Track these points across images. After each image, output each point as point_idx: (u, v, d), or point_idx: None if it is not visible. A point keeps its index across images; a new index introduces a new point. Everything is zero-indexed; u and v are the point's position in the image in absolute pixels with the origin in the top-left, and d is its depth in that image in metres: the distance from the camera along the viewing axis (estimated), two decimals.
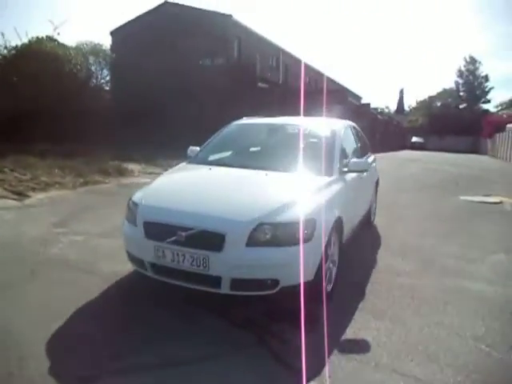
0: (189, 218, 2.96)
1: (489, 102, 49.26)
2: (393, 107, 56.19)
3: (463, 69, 48.99)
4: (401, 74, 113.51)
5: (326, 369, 2.42)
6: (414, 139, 44.54)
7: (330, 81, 35.32)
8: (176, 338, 2.72)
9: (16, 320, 2.89)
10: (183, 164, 4.34)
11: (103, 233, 5.11)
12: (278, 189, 3.44)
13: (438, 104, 51.83)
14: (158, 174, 4.84)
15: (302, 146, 4.22)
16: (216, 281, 2.89)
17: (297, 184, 3.55)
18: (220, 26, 20.78)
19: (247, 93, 20.10)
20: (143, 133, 17.51)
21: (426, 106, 52.85)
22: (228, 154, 4.49)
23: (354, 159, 4.15)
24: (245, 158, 4.27)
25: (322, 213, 3.11)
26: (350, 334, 2.88)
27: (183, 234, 2.87)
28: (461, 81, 49.35)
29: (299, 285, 2.90)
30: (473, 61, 48.29)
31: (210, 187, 3.55)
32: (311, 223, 2.98)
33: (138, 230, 3.13)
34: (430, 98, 53.04)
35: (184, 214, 3.01)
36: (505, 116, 45.54)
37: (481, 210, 7.87)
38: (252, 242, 2.84)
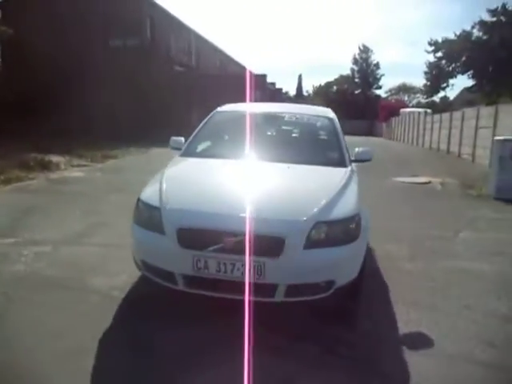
0: (237, 222, 2.61)
1: (380, 87, 53.77)
2: (292, 92, 58.30)
3: (357, 56, 52.59)
4: (299, 61, 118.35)
5: (411, 369, 2.34)
6: None
7: (239, 65, 35.27)
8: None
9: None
10: (179, 158, 3.85)
11: (67, 240, 4.42)
12: (313, 183, 3.25)
13: (335, 89, 55.07)
14: (88, 167, 4.28)
15: (307, 136, 4.04)
16: (270, 289, 2.62)
17: (325, 177, 3.39)
18: (131, 2, 19.24)
19: (164, 76, 19.10)
20: (45, 121, 15.66)
21: (323, 91, 55.78)
22: (230, 145, 4.10)
23: (359, 148, 4.08)
24: (253, 150, 3.96)
25: (359, 206, 3.01)
26: (403, 328, 2.84)
27: (232, 240, 2.53)
28: (356, 68, 52.92)
29: (347, 284, 2.80)
30: (366, 49, 52.03)
31: (242, 184, 3.18)
32: (359, 218, 2.86)
33: (167, 238, 2.69)
34: (328, 83, 56.09)
35: (230, 217, 2.65)
36: (393, 101, 50.49)
37: (418, 191, 8.53)
38: (309, 243, 2.62)
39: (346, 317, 2.97)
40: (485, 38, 21.20)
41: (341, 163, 3.67)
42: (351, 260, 2.77)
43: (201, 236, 2.61)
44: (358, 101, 51.53)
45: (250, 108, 4.59)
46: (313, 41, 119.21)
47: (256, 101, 5.44)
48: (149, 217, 2.86)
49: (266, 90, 22.78)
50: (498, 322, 3.01)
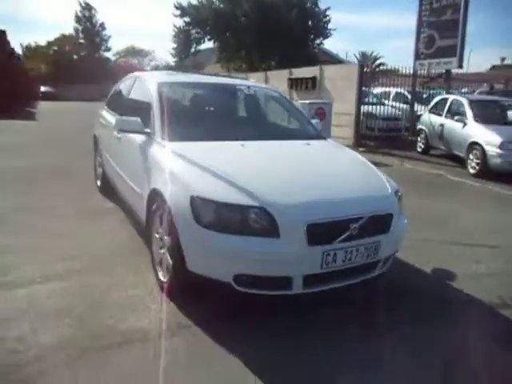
0: (359, 205, 2.60)
1: (109, 50, 51.25)
2: None
3: (80, 14, 47.96)
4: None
5: None
6: (43, 89, 41.33)
7: None
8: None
9: None
10: (171, 145, 3.12)
11: (50, 274, 2.98)
12: (339, 159, 3.43)
13: (56, 49, 49.08)
14: None
15: (272, 109, 3.98)
16: (373, 265, 2.78)
17: (338, 151, 3.58)
18: None
19: None
20: None
21: (44, 52, 48.83)
22: (211, 125, 3.62)
23: (313, 120, 4.32)
24: (237, 128, 3.59)
25: None
26: None
27: (356, 225, 2.52)
28: (80, 27, 48.35)
29: None
30: (88, 7, 47.96)
31: (297, 168, 3.01)
32: None
33: (285, 239, 2.41)
34: (49, 43, 49.31)
35: (351, 202, 2.61)
36: (122, 63, 49.34)
37: (393, 173, 9.18)
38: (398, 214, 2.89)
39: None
40: (222, 6, 23.46)
41: (320, 135, 3.88)
42: None
43: (328, 228, 2.47)
44: (85, 64, 47.64)
45: (192, 79, 4.12)
46: None
47: None
48: (243, 220, 2.42)
49: None
50: None
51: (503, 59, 41.45)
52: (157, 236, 2.99)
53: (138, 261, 3.36)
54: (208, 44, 25.67)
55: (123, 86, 4.81)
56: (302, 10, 24.03)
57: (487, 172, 7.57)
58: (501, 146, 7.35)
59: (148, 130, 3.34)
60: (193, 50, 24.55)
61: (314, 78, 12.19)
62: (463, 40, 11.79)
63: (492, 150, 7.48)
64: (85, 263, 3.30)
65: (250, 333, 2.48)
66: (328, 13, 25.52)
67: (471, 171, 7.99)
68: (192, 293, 2.79)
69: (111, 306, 2.71)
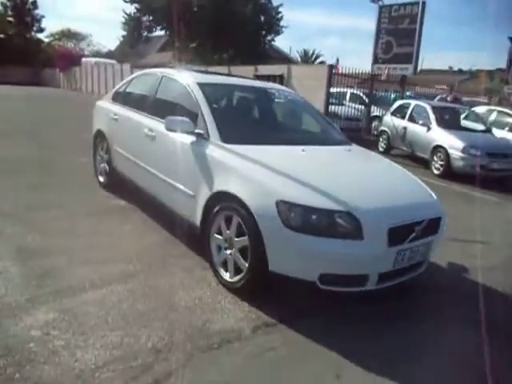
0: (418, 211, 2.91)
1: (42, 30, 47.53)
2: None
3: None
4: None
5: None
6: None
7: None
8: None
9: None
10: (241, 147, 3.19)
11: (107, 277, 2.83)
12: (381, 163, 3.71)
13: None
14: None
15: (298, 113, 4.16)
16: (421, 263, 3.10)
17: (375, 155, 3.85)
18: None
19: None
20: None
21: None
22: (254, 129, 3.77)
23: None
24: (287, 131, 3.73)
25: None
26: None
27: (419, 228, 2.82)
28: (9, 3, 44.28)
29: None
30: None
31: (365, 174, 3.41)
32: None
33: (375, 241, 2.66)
34: None
35: (416, 207, 2.90)
36: (57, 47, 46.11)
37: None
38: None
39: None
40: None
41: (347, 140, 4.13)
42: None
43: (401, 230, 2.74)
44: (14, 44, 43.86)
45: (228, 81, 4.18)
46: None
47: None
48: (330, 223, 2.61)
49: None
50: None
51: (451, 67, 44.37)
52: (220, 237, 3.05)
53: (187, 262, 3.39)
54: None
55: (141, 82, 4.69)
56: (256, 5, 24.23)
57: (450, 173, 8.35)
58: (463, 151, 8.14)
59: (200, 131, 3.36)
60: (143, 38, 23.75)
61: (281, 76, 12.47)
62: (418, 48, 12.76)
63: (455, 154, 8.26)
64: (135, 265, 3.26)
65: (331, 325, 2.68)
66: (280, 9, 25.99)
67: (435, 172, 8.75)
68: (267, 292, 2.91)
69: (188, 307, 2.74)
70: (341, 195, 2.70)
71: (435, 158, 8.80)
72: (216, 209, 3.06)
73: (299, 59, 38.96)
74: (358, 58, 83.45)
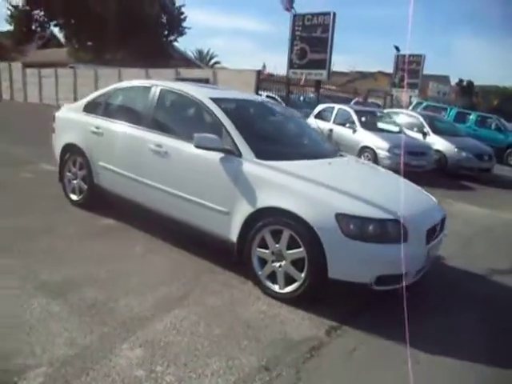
0: (434, 213, 3.45)
1: None
2: None
3: None
4: None
5: None
6: None
7: None
8: None
9: None
10: (273, 163, 3.34)
11: (159, 303, 2.67)
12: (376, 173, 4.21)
13: None
14: None
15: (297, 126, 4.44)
16: None
17: (368, 166, 4.29)
18: None
19: None
20: None
21: None
22: (281, 142, 3.97)
23: None
24: (302, 146, 3.96)
25: None
26: None
27: (438, 227, 3.35)
28: None
29: None
30: None
31: (374, 184, 3.72)
32: None
33: (416, 242, 3.08)
34: None
35: (432, 211, 3.41)
36: None
37: None
38: None
39: None
40: None
41: (340, 151, 4.51)
42: None
43: (431, 231, 3.19)
44: None
45: (234, 96, 4.30)
46: None
47: None
48: (383, 230, 2.97)
49: None
50: None
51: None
52: (265, 251, 3.17)
53: (221, 277, 3.43)
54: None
55: (128, 94, 4.47)
56: (160, 4, 23.64)
57: None
58: (388, 150, 9.21)
59: (228, 148, 3.40)
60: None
61: (206, 81, 12.50)
62: (330, 55, 13.87)
63: (382, 153, 9.29)
64: (176, 287, 3.19)
65: (382, 319, 3.01)
66: (183, 10, 25.72)
67: None
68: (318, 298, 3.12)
69: (257, 321, 2.83)
70: (385, 204, 3.04)
71: (363, 158, 9.77)
72: (259, 224, 3.17)
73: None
74: (244, 58, 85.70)
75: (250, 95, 4.75)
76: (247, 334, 2.67)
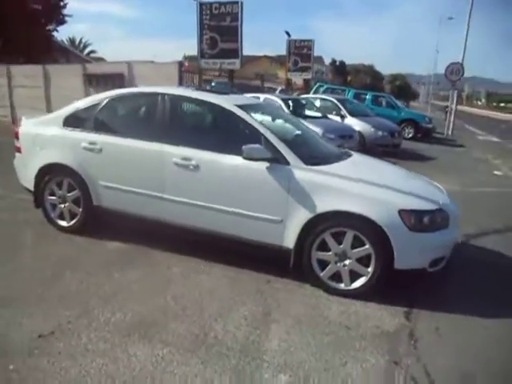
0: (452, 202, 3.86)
1: None
2: None
3: None
4: None
5: None
6: None
7: None
8: None
9: None
10: (323, 168, 3.51)
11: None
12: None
13: None
14: None
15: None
16: None
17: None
18: None
19: None
20: None
21: None
22: (312, 147, 4.10)
23: None
24: (327, 148, 4.18)
25: None
26: None
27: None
28: None
29: None
30: None
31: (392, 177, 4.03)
32: None
33: (453, 227, 3.52)
34: None
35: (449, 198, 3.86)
36: None
37: None
38: None
39: None
40: None
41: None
42: None
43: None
44: None
45: (252, 101, 4.31)
46: None
47: None
48: (435, 219, 3.34)
49: None
50: None
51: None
52: (327, 253, 3.32)
53: (279, 285, 3.48)
54: None
55: (126, 104, 4.06)
56: None
57: None
58: (323, 135, 9.80)
59: (275, 157, 3.41)
60: None
61: (121, 76, 11.65)
62: (241, 44, 14.00)
63: None
64: (252, 305, 3.16)
65: (442, 298, 3.44)
66: None
67: None
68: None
69: (347, 321, 3.00)
70: (427, 196, 3.44)
71: None
72: (319, 228, 3.29)
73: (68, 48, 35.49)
74: (117, 45, 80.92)
75: (252, 99, 4.72)
76: (351, 335, 2.84)
